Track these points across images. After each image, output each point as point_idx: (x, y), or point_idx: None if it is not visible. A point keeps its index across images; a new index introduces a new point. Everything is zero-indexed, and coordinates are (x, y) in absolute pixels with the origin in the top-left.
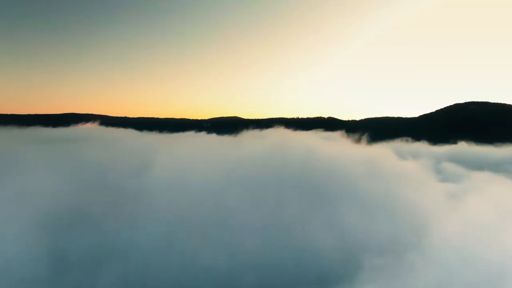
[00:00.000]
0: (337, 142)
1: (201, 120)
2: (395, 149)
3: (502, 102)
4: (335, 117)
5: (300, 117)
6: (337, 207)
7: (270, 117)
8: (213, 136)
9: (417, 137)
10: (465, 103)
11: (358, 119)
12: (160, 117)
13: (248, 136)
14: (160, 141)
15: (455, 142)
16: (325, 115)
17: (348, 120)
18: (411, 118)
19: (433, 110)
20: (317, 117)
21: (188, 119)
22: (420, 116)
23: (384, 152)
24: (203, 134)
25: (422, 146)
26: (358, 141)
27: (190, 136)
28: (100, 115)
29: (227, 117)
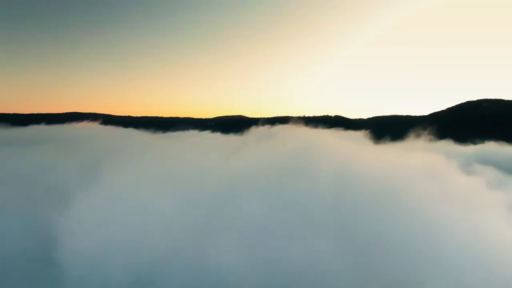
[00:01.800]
0: (369, 145)
1: (205, 119)
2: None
3: None
4: (342, 115)
5: (306, 115)
6: (401, 258)
7: (276, 115)
8: (217, 135)
9: (439, 135)
10: (478, 100)
11: (365, 117)
12: (164, 116)
13: (257, 135)
14: (148, 141)
15: (474, 141)
16: (331, 114)
17: (355, 119)
18: (421, 116)
19: (444, 108)
20: (324, 116)
21: (192, 118)
22: (431, 114)
23: (441, 161)
24: (206, 133)
25: (448, 146)
26: (382, 141)
27: (189, 135)
28: (103, 114)
29: (231, 116)
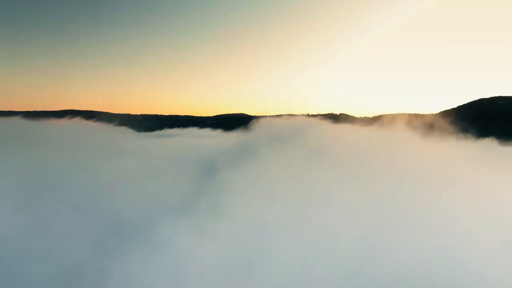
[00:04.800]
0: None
1: (206, 117)
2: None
3: None
4: (347, 113)
5: (310, 113)
6: None
7: (279, 114)
8: (217, 133)
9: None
10: (491, 98)
11: (371, 116)
12: (163, 114)
13: (265, 130)
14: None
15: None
16: (336, 112)
17: (361, 117)
18: (429, 114)
19: (454, 106)
20: (329, 114)
21: (193, 116)
22: (442, 112)
23: None
24: (206, 131)
25: (493, 145)
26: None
27: (188, 132)
28: (101, 111)
29: (233, 114)
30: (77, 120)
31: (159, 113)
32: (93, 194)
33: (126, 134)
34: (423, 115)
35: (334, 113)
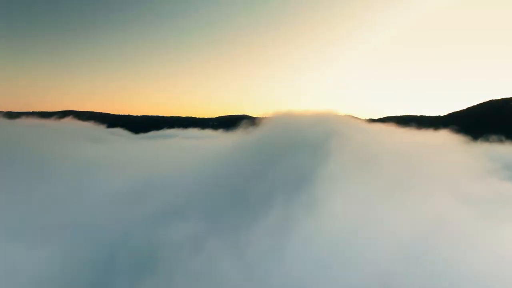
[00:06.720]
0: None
1: (208, 118)
2: None
3: None
4: (352, 115)
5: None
6: None
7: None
8: (218, 133)
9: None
10: (502, 99)
11: (376, 118)
12: (165, 115)
13: (278, 127)
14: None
15: None
16: (341, 113)
17: (366, 119)
18: (437, 116)
19: (464, 108)
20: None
21: (194, 117)
22: (450, 114)
23: None
24: (207, 131)
25: None
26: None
27: (188, 132)
28: (100, 112)
29: (235, 115)
30: (69, 120)
31: (160, 114)
32: None
33: (116, 136)
34: (432, 116)
35: (338, 114)
